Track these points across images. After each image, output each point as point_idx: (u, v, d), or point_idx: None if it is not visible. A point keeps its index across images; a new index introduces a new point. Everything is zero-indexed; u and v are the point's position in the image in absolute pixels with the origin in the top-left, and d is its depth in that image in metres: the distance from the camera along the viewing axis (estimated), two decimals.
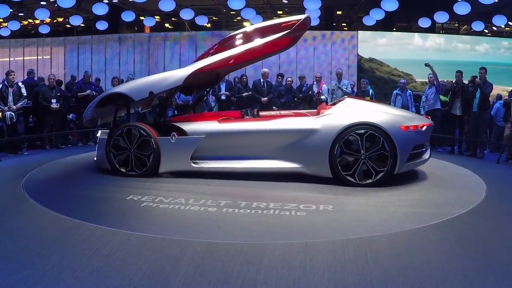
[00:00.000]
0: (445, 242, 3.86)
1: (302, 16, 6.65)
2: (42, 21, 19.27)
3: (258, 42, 6.53)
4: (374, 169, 5.77)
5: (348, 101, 6.38)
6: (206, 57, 6.73)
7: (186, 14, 15.85)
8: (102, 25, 15.01)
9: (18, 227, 4.30)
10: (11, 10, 15.14)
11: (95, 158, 6.80)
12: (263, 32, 6.61)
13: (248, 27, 7.13)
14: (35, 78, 11.78)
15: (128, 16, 15.80)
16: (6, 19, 15.86)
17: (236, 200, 5.08)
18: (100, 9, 14.82)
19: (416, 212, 4.66)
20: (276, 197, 5.22)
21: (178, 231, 4.04)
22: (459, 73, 10.30)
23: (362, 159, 5.77)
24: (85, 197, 5.29)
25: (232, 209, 4.74)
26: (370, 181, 5.79)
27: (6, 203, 5.19)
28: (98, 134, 6.77)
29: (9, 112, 9.37)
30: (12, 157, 9.06)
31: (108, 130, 6.58)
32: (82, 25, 20.08)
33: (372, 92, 12.29)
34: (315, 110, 7.76)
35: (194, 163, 6.31)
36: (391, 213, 4.66)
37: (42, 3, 16.02)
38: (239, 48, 6.52)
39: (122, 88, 6.81)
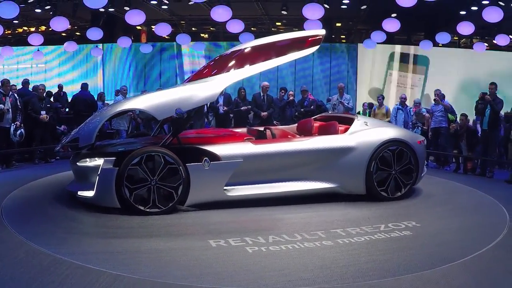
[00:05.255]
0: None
1: (322, 31, 6.30)
2: (37, 30, 18.84)
3: (285, 57, 6.02)
4: (403, 183, 6.13)
5: (363, 119, 6.64)
6: (225, 69, 5.94)
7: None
8: (96, 35, 14.33)
9: None
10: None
11: (87, 195, 5.34)
12: (286, 44, 6.11)
13: (273, 37, 6.34)
14: (30, 89, 11.14)
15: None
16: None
17: (332, 228, 4.80)
18: (94, 34, 14.21)
19: (437, 250, 4.23)
20: (363, 219, 5.18)
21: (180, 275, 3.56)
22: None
23: (393, 174, 6.07)
24: (67, 227, 4.77)
25: (330, 243, 4.37)
26: (399, 194, 6.13)
27: None
28: (98, 162, 5.27)
29: (21, 130, 8.94)
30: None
31: (114, 158, 5.23)
32: (77, 33, 19.64)
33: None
34: (295, 125, 7.32)
35: (226, 191, 5.59)
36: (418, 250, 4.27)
37: (37, 10, 15.41)
38: (269, 63, 5.96)
39: (141, 105, 5.83)
